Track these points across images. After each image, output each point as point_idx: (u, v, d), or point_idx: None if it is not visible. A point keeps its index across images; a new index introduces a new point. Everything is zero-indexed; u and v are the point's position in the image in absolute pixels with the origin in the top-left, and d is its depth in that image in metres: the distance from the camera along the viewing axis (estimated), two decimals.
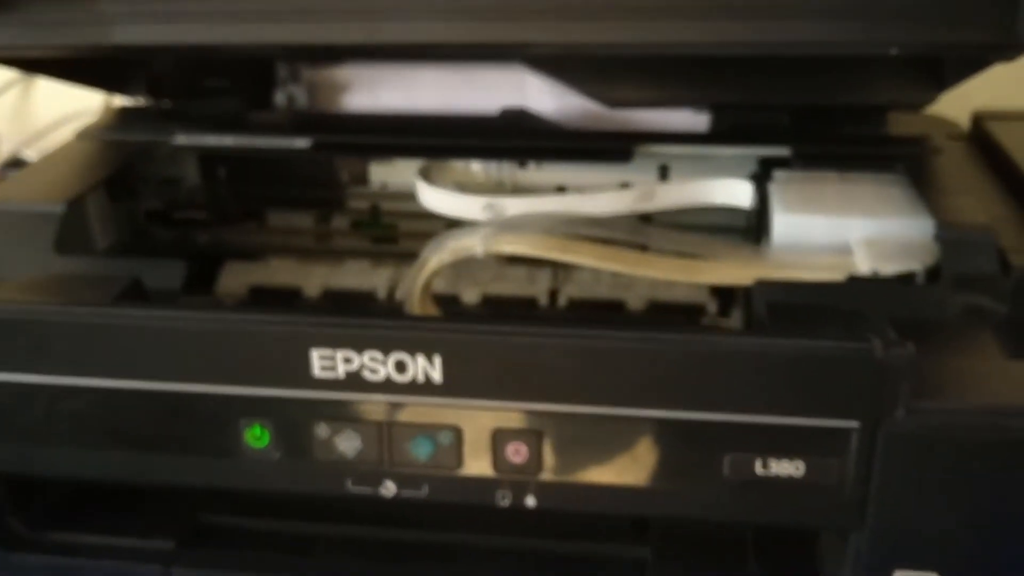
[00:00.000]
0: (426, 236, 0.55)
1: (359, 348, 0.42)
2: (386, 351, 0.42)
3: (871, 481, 0.41)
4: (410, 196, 0.61)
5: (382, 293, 0.59)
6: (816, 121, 0.61)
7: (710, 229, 0.59)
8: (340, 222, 0.65)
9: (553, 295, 0.59)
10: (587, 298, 0.58)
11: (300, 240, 0.65)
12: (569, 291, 0.58)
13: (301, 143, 0.59)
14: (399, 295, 0.58)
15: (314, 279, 0.60)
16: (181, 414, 0.44)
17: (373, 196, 0.65)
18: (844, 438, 0.40)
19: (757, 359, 0.40)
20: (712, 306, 0.57)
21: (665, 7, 0.46)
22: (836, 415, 0.40)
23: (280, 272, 0.61)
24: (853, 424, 0.40)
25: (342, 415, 0.44)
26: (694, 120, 0.63)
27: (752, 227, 0.57)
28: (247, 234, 0.65)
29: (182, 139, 0.61)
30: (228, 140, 0.60)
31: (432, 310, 0.54)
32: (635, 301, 0.57)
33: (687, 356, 0.41)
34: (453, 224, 0.60)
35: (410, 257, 0.57)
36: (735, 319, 0.56)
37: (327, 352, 0.42)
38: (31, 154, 0.83)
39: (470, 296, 0.58)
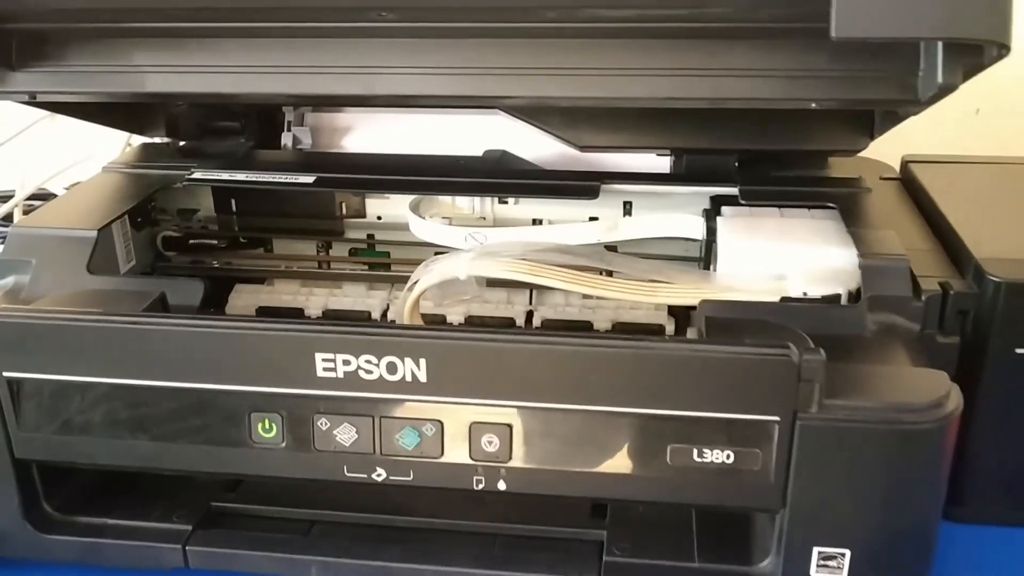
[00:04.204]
0: (417, 263, 0.61)
1: (356, 352, 0.48)
2: (379, 355, 0.48)
3: (791, 467, 0.47)
4: (402, 227, 0.67)
5: (376, 313, 0.65)
6: (763, 164, 0.67)
7: (667, 257, 0.65)
8: (339, 250, 0.71)
9: (529, 316, 0.65)
10: (559, 319, 0.64)
11: (303, 266, 0.71)
12: (543, 313, 0.64)
13: (305, 179, 0.65)
14: (391, 315, 0.64)
15: (315, 301, 0.66)
16: (200, 409, 0.50)
17: (369, 227, 0.70)
18: (767, 431, 0.47)
19: (694, 363, 0.46)
20: (670, 327, 0.63)
21: (624, 69, 0.53)
22: (760, 411, 0.46)
23: (285, 294, 0.67)
24: (774, 418, 0.46)
25: (340, 410, 0.50)
26: (655, 161, 0.69)
27: (703, 255, 0.63)
28: (255, 260, 0.71)
29: (198, 174, 0.67)
30: (240, 175, 0.66)
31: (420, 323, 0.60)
32: (602, 322, 0.63)
33: (636, 360, 0.47)
34: (440, 252, 0.66)
35: (402, 281, 0.63)
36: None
37: (329, 355, 0.48)
38: (53, 187, 0.89)
39: (455, 317, 0.64)
